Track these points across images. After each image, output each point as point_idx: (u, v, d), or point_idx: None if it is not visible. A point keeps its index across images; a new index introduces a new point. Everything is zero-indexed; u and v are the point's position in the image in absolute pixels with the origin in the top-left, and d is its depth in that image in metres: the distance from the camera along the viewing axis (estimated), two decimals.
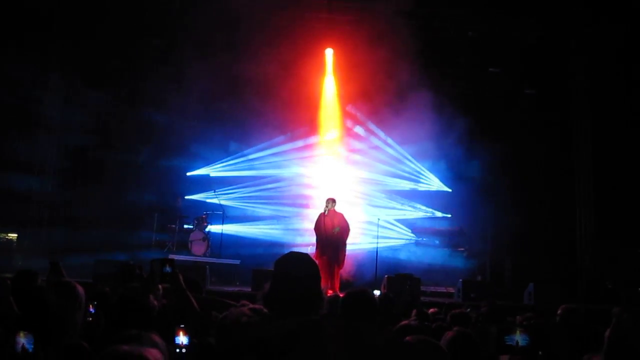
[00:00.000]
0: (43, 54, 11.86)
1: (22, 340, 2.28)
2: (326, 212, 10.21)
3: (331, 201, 10.30)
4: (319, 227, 10.24)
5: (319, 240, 10.26)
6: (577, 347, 3.21)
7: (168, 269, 3.51)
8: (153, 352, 2.09)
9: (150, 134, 12.86)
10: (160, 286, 4.56)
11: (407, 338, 2.05)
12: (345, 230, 10.28)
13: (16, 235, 11.77)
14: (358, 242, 12.09)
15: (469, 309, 5.77)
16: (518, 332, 2.33)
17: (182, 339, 2.71)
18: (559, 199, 12.72)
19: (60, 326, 2.84)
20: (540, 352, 2.39)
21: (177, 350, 2.70)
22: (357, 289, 3.14)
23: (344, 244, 10.29)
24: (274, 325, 2.27)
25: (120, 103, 12.45)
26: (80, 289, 3.18)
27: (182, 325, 2.72)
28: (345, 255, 10.30)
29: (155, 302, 3.53)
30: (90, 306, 3.48)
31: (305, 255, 2.50)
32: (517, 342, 2.32)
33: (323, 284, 9.80)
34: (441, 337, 2.86)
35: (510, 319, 4.65)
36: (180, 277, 3.48)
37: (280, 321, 2.28)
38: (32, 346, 2.29)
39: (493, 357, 2.42)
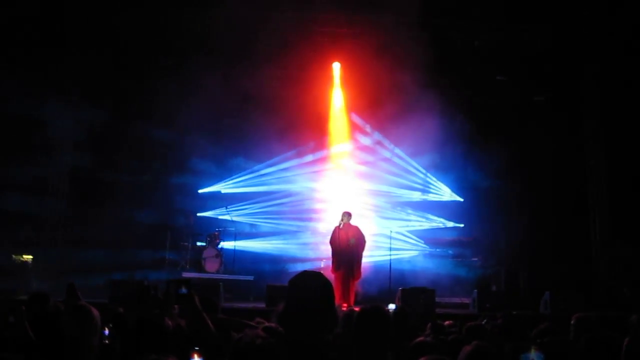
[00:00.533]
0: (50, 72, 11.95)
1: None
2: (341, 225, 10.22)
3: (347, 215, 10.32)
4: (334, 241, 10.25)
5: (334, 254, 10.27)
6: (593, 357, 3.16)
7: (184, 290, 3.50)
8: None
9: (160, 152, 12.92)
10: (176, 306, 4.57)
11: (423, 359, 2.04)
12: (360, 242, 10.29)
13: (31, 257, 11.83)
14: (371, 255, 12.06)
15: (485, 320, 5.72)
16: (533, 350, 2.30)
17: None
18: (572, 204, 12.62)
19: (76, 350, 2.85)
20: None
21: None
22: (370, 306, 3.13)
23: (360, 257, 10.31)
24: (289, 348, 2.26)
25: (130, 121, 12.51)
26: (95, 312, 3.19)
27: (197, 348, 2.71)
28: (361, 268, 10.31)
29: (170, 323, 3.53)
30: (106, 329, 3.49)
31: (319, 273, 2.50)
32: None
33: (338, 300, 9.80)
34: (457, 350, 2.85)
35: (528, 331, 4.59)
36: (196, 299, 3.47)
37: (295, 343, 2.27)
38: None
39: None
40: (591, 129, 12.81)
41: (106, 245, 11.73)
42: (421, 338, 3.21)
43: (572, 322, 4.38)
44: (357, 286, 10.52)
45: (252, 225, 13.49)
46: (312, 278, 2.46)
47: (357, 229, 10.38)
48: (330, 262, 10.50)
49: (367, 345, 2.84)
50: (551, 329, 4.48)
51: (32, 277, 11.17)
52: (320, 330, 2.31)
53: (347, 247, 10.11)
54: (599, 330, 4.08)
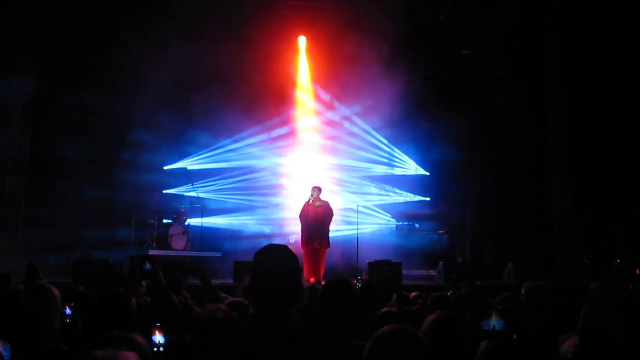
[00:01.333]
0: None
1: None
2: (310, 200, 10.23)
3: (317, 189, 10.35)
4: (304, 215, 10.27)
5: (304, 230, 10.28)
6: (550, 326, 3.24)
7: (148, 266, 3.46)
8: (129, 356, 2.05)
9: (123, 129, 12.62)
10: (143, 283, 4.51)
11: (384, 328, 2.03)
12: (329, 214, 10.32)
13: None
14: (339, 229, 12.12)
15: (450, 292, 5.82)
16: (494, 316, 2.33)
17: (158, 338, 2.69)
18: (535, 174, 12.88)
19: (37, 330, 2.78)
20: (514, 336, 2.39)
21: (155, 349, 2.68)
22: (336, 279, 3.14)
23: (328, 228, 10.38)
24: (254, 322, 2.24)
25: (91, 98, 12.15)
26: (56, 291, 3.11)
27: (158, 324, 2.69)
28: (329, 238, 10.35)
29: (135, 301, 3.48)
30: (67, 307, 3.43)
31: (285, 247, 2.48)
32: (494, 327, 2.32)
33: (307, 273, 9.87)
34: (422, 320, 2.88)
35: (491, 300, 4.68)
36: (161, 274, 3.43)
37: (260, 316, 2.26)
38: (10, 354, 2.24)
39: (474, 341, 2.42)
40: (553, 101, 13.02)
41: (69, 224, 11.48)
42: (386, 309, 3.23)
43: (522, 291, 4.47)
44: (325, 261, 10.58)
45: (218, 201, 13.39)
46: (278, 251, 2.44)
47: (326, 203, 10.44)
48: (299, 238, 10.51)
49: (334, 318, 2.85)
50: (512, 298, 4.59)
51: None
52: (286, 304, 2.30)
53: (316, 219, 10.14)
54: (549, 297, 4.19)
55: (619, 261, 11.40)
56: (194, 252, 12.01)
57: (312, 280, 9.63)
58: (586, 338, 2.25)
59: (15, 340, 2.28)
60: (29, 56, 11.96)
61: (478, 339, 2.26)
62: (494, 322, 2.30)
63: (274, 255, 2.40)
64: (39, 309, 2.84)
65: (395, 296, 5.79)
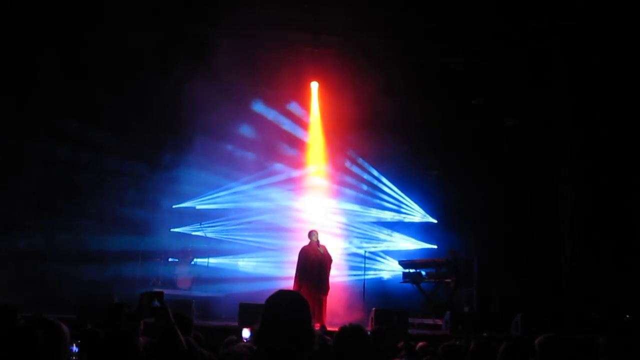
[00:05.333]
0: None
1: None
2: (317, 244, 10.17)
3: (315, 233, 10.29)
4: (307, 260, 10.10)
5: (303, 274, 10.06)
6: None
7: (157, 303, 3.42)
8: None
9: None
10: (141, 322, 4.46)
11: None
12: (329, 258, 10.24)
13: None
14: (345, 274, 12.05)
15: (457, 342, 5.74)
16: None
17: None
18: (543, 225, 12.81)
19: None
20: None
21: None
22: (350, 325, 3.12)
23: (328, 274, 10.20)
24: None
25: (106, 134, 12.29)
26: (65, 327, 3.11)
27: None
28: (328, 284, 10.18)
29: (142, 340, 3.46)
30: (74, 345, 3.41)
31: (295, 292, 2.49)
32: None
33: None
34: None
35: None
36: (170, 312, 3.39)
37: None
38: None
39: None
40: (562, 153, 13.06)
41: (78, 261, 11.44)
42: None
43: (536, 342, 4.38)
44: (330, 306, 10.45)
45: (223, 241, 13.37)
46: (289, 297, 2.45)
47: (324, 247, 10.34)
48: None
49: None
50: (521, 350, 4.50)
51: None
52: (297, 349, 2.29)
53: (318, 265, 10.02)
54: (563, 351, 4.10)
55: (628, 316, 11.21)
56: (199, 293, 11.91)
57: (317, 326, 9.50)
58: None
59: None
60: None
61: None
62: None
63: (285, 302, 2.41)
64: (49, 345, 2.83)
65: (402, 344, 5.73)
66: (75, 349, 3.45)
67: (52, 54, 12.09)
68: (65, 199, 12.16)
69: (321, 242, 10.34)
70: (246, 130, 12.80)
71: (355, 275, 12.10)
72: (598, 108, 12.13)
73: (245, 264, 13.21)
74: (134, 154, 12.46)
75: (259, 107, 13.07)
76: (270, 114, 13.16)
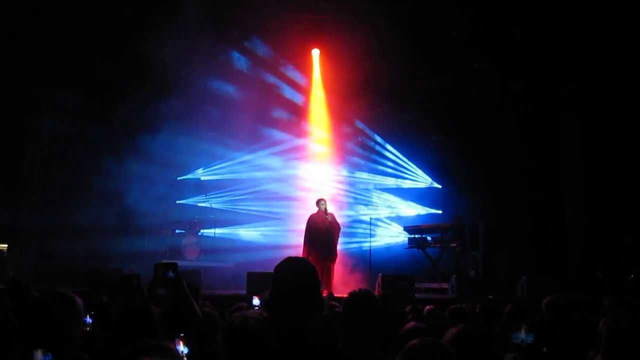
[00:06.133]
0: None
1: (40, 357, 2.27)
2: (325, 212, 10.20)
3: (324, 201, 10.32)
4: (315, 229, 10.15)
5: (312, 243, 10.13)
6: (576, 341, 3.22)
7: (171, 273, 3.46)
8: None
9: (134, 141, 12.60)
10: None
11: (414, 341, 2.06)
12: (336, 226, 10.30)
13: (6, 245, 11.61)
14: (350, 241, 12.13)
15: (463, 305, 5.81)
16: (523, 330, 2.35)
17: (182, 348, 2.68)
18: (548, 187, 12.81)
19: (63, 338, 2.82)
20: (544, 349, 2.41)
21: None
22: (360, 290, 3.15)
23: (336, 242, 10.27)
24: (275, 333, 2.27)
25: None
26: (79, 299, 3.16)
27: (182, 335, 2.69)
28: (337, 250, 10.26)
29: (156, 310, 3.52)
30: (87, 316, 3.47)
31: (304, 259, 2.52)
32: (523, 341, 2.35)
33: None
34: (441, 334, 2.88)
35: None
36: (184, 282, 3.43)
37: (281, 328, 2.29)
38: None
39: (497, 355, 2.44)
40: (567, 113, 12.95)
41: (83, 235, 11.52)
42: (411, 324, 3.23)
43: (543, 303, 4.43)
44: (337, 272, 10.56)
45: (231, 211, 13.43)
46: (297, 264, 2.48)
47: (332, 215, 10.40)
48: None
49: (356, 330, 2.87)
50: (527, 311, 4.56)
51: (8, 265, 11.02)
52: (307, 316, 2.33)
53: (326, 233, 10.08)
54: (570, 311, 4.16)
55: (632, 276, 11.29)
56: (207, 262, 12.03)
57: (324, 293, 9.60)
58: (610, 355, 2.26)
59: (49, 349, 2.32)
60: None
61: (506, 351, 2.29)
62: (523, 336, 2.33)
63: (293, 268, 2.44)
64: (64, 317, 2.88)
65: (409, 308, 5.80)
66: (89, 320, 3.50)
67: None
68: (64, 175, 12.11)
69: (329, 210, 10.39)
70: (242, 96, 12.66)
71: (361, 242, 12.18)
72: (604, 74, 11.99)
73: (252, 233, 13.30)
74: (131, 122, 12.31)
75: (259, 73, 12.95)
76: (271, 79, 13.05)
